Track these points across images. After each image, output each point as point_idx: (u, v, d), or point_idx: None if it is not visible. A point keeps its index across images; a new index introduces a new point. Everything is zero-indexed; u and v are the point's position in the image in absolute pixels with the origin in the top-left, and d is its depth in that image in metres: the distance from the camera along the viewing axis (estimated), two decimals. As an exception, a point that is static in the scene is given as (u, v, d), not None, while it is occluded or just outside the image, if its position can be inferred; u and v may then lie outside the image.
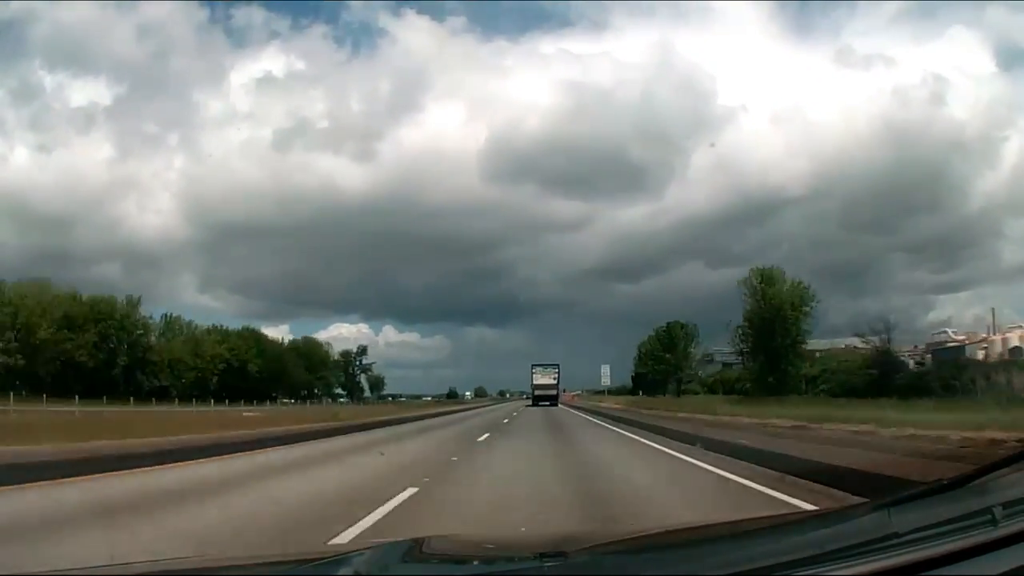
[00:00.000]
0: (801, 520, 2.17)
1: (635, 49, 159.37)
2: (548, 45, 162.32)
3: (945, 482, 1.56)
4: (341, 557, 1.99)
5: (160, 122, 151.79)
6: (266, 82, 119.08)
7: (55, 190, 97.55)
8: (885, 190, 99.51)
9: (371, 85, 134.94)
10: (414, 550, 2.05)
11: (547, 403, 55.89)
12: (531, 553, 2.03)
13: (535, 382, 63.53)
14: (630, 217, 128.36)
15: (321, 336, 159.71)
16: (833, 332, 63.45)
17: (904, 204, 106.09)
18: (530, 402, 61.52)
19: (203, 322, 79.52)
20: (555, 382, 63.91)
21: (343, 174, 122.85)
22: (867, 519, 1.57)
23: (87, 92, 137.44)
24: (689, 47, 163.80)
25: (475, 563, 2.13)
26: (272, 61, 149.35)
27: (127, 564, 2.78)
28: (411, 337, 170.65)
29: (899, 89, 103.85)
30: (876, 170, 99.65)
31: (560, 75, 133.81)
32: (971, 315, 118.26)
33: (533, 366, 65.81)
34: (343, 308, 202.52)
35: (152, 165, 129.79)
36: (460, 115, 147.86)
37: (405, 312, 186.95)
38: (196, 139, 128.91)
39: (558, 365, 66.29)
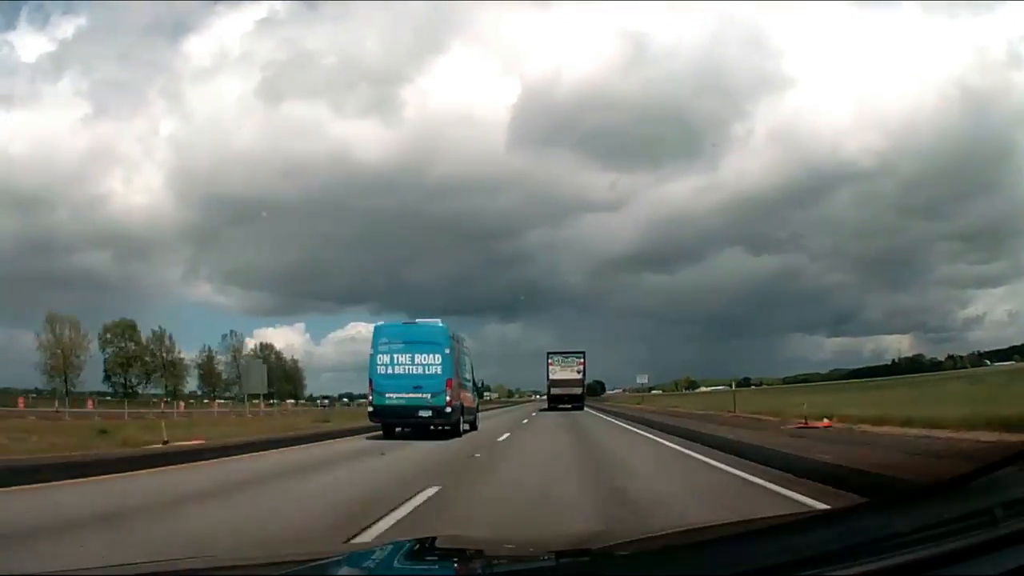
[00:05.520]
0: (805, 520, 2.18)
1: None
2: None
3: (946, 482, 1.58)
4: (347, 555, 2.00)
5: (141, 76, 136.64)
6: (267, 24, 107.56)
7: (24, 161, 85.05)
8: (948, 165, 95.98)
9: (389, 25, 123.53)
10: (425, 549, 2.06)
11: (568, 406, 43.09)
12: (549, 552, 2.03)
13: (552, 376, 46.46)
14: (675, 191, 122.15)
15: (339, 336, 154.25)
16: (869, 328, 61.33)
17: (963, 183, 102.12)
18: (545, 404, 48.27)
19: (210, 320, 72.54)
20: (579, 376, 46.84)
21: (359, 137, 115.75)
22: (869, 519, 1.58)
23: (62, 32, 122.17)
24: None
25: (495, 562, 2.10)
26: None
27: (127, 564, 2.74)
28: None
29: (978, 49, 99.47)
30: (943, 141, 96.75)
31: (608, 22, 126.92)
32: (1003, 311, 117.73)
33: (549, 354, 47.56)
34: (355, 299, 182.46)
35: (135, 129, 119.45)
36: (493, 65, 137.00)
37: (424, 306, 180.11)
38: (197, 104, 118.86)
39: (583, 353, 47.64)
